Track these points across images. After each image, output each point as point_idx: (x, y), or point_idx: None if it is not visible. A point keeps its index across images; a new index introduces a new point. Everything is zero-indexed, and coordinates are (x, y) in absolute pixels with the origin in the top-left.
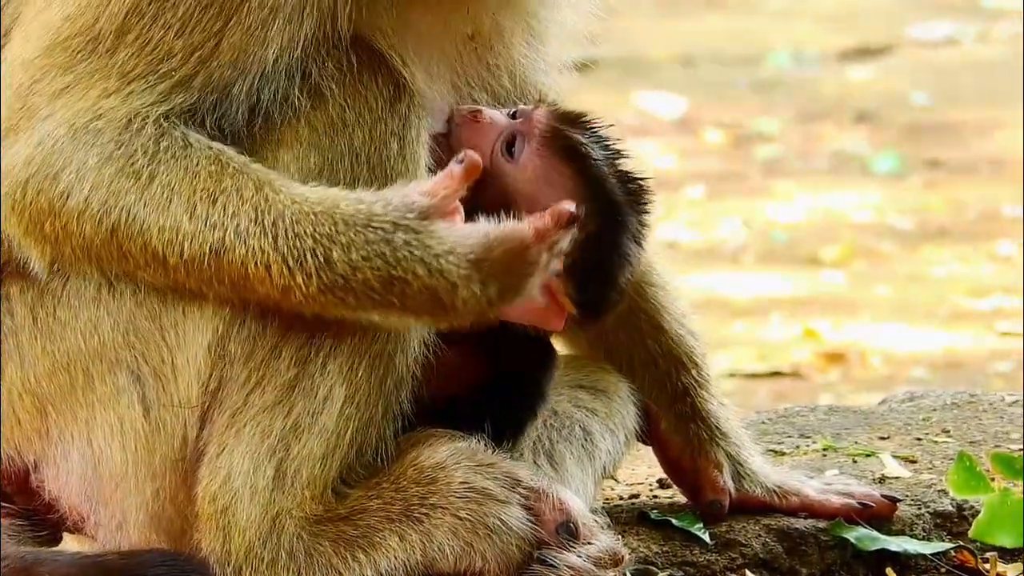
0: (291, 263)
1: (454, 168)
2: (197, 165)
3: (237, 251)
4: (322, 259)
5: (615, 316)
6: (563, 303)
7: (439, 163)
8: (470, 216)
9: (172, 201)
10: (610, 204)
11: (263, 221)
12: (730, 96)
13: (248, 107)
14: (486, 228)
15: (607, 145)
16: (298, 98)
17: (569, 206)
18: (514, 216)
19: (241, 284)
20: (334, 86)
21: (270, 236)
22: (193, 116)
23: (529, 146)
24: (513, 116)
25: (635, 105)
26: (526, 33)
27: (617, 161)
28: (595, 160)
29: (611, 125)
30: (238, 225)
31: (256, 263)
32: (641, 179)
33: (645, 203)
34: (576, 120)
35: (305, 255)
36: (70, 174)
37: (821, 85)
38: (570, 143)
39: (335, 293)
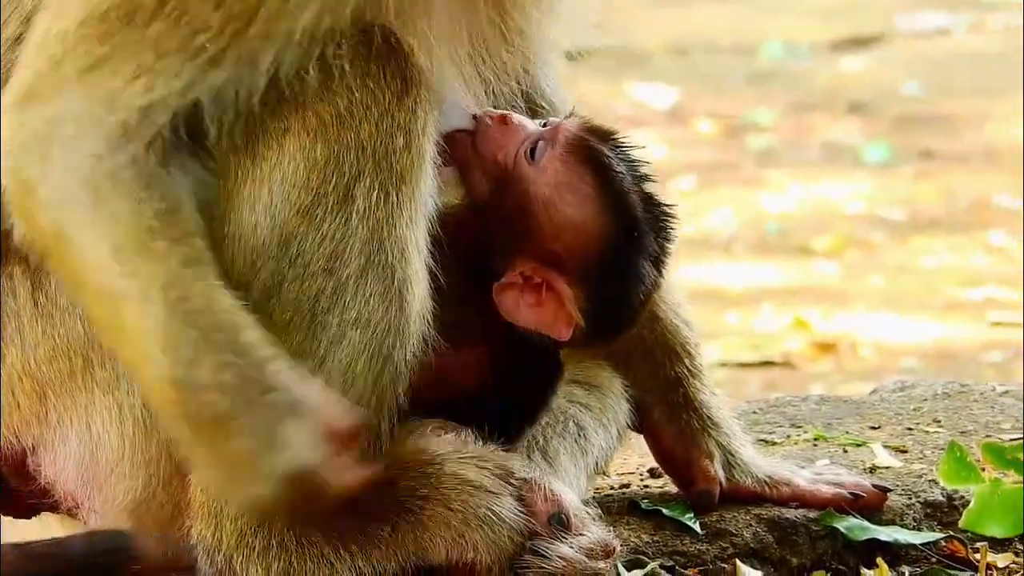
0: (163, 351)
1: (338, 429)
2: (154, 206)
3: (131, 306)
4: (188, 361)
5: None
6: (572, 313)
7: (459, 161)
8: (489, 215)
9: (111, 232)
10: (629, 220)
11: (170, 295)
12: (723, 86)
13: (264, 84)
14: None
15: (634, 165)
16: (310, 83)
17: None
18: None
19: (115, 335)
20: (344, 76)
21: (164, 314)
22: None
23: (552, 151)
24: (544, 126)
25: (628, 95)
26: (545, 25)
27: (642, 182)
28: (618, 173)
29: (642, 147)
30: (146, 287)
31: (139, 330)
32: (666, 204)
33: (667, 228)
34: (605, 134)
35: (179, 349)
36: (55, 164)
37: (814, 76)
38: (595, 153)
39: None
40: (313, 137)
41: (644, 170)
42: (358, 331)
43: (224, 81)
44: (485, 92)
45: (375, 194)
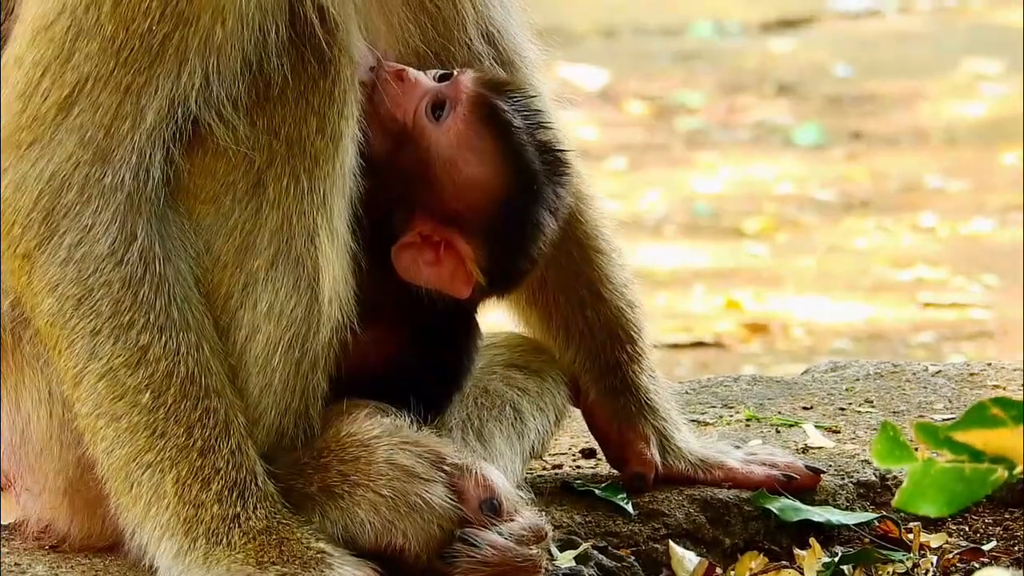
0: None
1: None
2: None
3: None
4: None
5: (555, 280)
6: (471, 270)
7: (364, 113)
8: (386, 173)
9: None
10: (527, 174)
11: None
12: (652, 67)
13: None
14: None
15: (529, 115)
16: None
17: None
18: (428, 182)
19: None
20: (262, 60)
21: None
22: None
23: (455, 111)
24: (439, 80)
25: (557, 76)
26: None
27: (538, 131)
28: (517, 129)
29: (535, 95)
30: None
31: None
32: (561, 150)
33: (563, 174)
34: (502, 88)
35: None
36: (60, 241)
37: (743, 57)
38: (495, 111)
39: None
40: (227, 122)
41: (538, 118)
42: (271, 323)
43: (201, 76)
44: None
45: (285, 180)
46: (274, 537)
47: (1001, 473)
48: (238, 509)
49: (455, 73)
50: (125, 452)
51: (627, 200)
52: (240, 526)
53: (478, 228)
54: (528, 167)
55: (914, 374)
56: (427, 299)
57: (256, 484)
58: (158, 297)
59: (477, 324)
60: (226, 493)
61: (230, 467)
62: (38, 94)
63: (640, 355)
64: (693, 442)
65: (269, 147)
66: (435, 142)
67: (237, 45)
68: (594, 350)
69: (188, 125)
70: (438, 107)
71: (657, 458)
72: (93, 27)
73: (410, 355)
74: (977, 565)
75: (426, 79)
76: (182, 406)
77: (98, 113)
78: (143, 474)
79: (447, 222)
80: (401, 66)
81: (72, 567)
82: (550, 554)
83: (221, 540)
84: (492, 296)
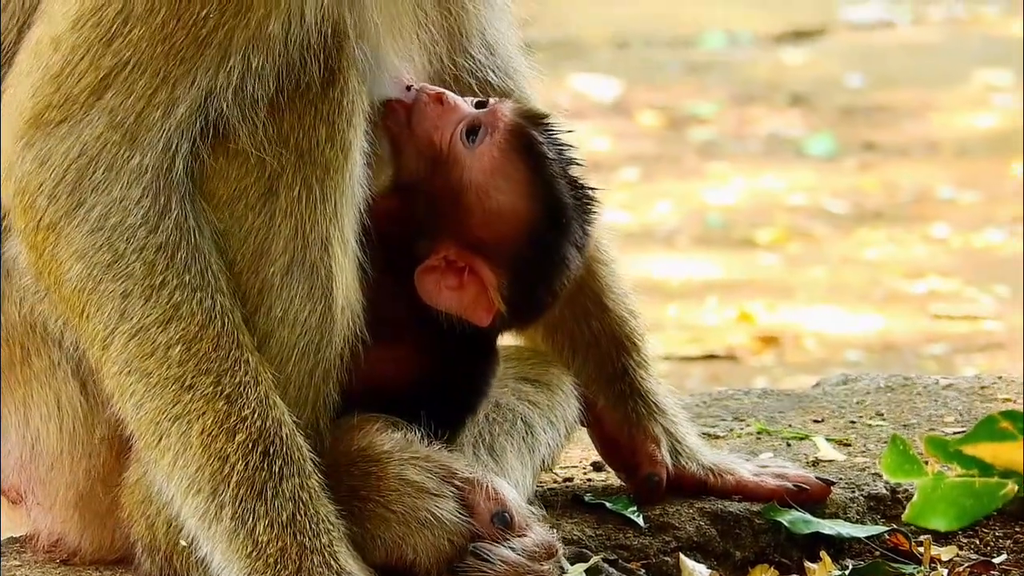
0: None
1: None
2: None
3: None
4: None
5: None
6: (493, 298)
7: (392, 134)
8: (416, 194)
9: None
10: (558, 209)
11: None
12: (664, 78)
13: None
14: None
15: (562, 149)
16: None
17: None
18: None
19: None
20: (274, 67)
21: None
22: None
23: (491, 137)
24: (478, 106)
25: (570, 87)
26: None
27: (570, 166)
28: (551, 161)
29: (570, 131)
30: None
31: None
32: (590, 188)
33: (591, 212)
34: (538, 119)
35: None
36: (84, 216)
37: (755, 67)
38: (531, 141)
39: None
40: (244, 126)
41: (571, 154)
42: (285, 330)
43: (241, 72)
44: (430, 63)
45: (297, 188)
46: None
47: (1011, 487)
48: (263, 472)
49: (492, 101)
50: (154, 406)
51: (639, 211)
52: (266, 504)
53: (503, 257)
54: (559, 200)
55: (925, 387)
56: (446, 323)
57: (280, 437)
58: (194, 262)
59: (496, 352)
60: (250, 446)
61: (255, 416)
62: (74, 76)
63: (646, 361)
64: (704, 448)
65: (280, 155)
66: (468, 167)
67: (279, 46)
68: (600, 359)
69: (214, 123)
70: (472, 132)
71: (668, 460)
72: (144, 12)
73: (427, 376)
74: None
75: (465, 104)
76: (213, 356)
77: (131, 98)
78: (172, 426)
79: (473, 248)
80: (441, 89)
81: None
82: (561, 569)
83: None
84: (511, 327)
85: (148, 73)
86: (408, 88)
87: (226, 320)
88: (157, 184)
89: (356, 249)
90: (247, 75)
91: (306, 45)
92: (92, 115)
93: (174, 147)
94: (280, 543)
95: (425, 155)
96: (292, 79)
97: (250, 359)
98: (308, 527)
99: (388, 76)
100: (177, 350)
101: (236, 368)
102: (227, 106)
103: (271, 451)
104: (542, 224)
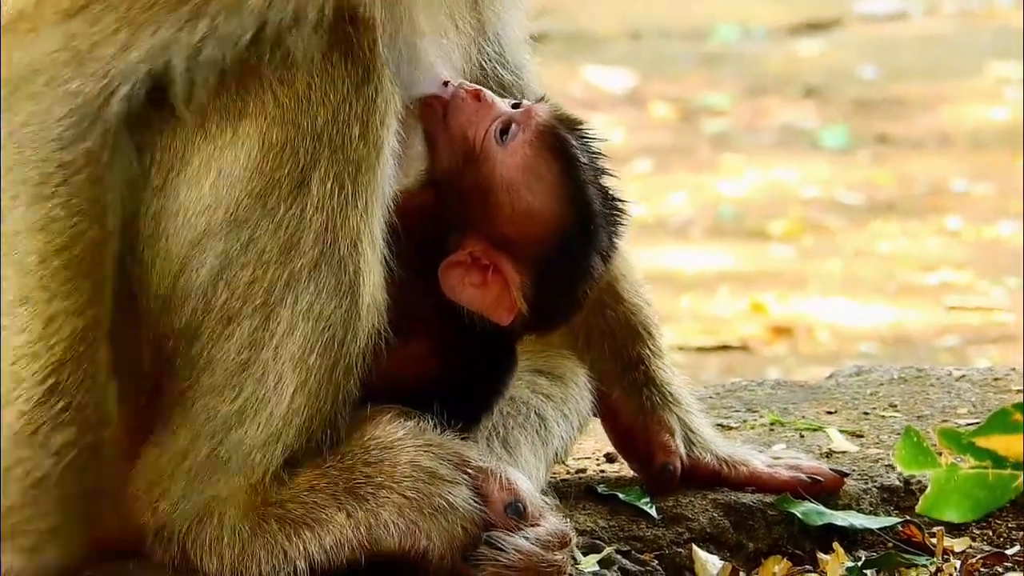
0: None
1: None
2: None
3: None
4: None
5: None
6: (516, 298)
7: (428, 128)
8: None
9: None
10: (587, 214)
11: None
12: (677, 70)
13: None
14: None
15: (596, 157)
16: (270, 65)
17: None
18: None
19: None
20: (305, 61)
21: None
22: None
23: (523, 135)
24: (514, 107)
25: (583, 79)
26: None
27: (601, 175)
28: (583, 165)
29: (604, 139)
30: None
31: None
32: (620, 199)
33: (619, 223)
34: (572, 124)
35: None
36: (19, 124)
37: (769, 59)
38: (564, 143)
39: None
40: (270, 121)
41: (603, 163)
42: (310, 323)
43: (203, 37)
44: (465, 61)
45: (330, 184)
46: None
47: None
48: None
49: (527, 102)
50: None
51: (652, 203)
52: None
53: (529, 256)
54: (588, 205)
55: (938, 379)
56: (467, 320)
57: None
58: (89, 191)
59: (515, 352)
60: (48, 372)
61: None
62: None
63: (660, 351)
64: (718, 438)
65: (313, 149)
66: (499, 163)
67: (255, 17)
68: (615, 348)
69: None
70: (506, 131)
71: (682, 450)
72: None
73: (446, 374)
74: (1001, 570)
75: (501, 103)
76: (60, 276)
77: (94, 28)
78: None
79: (499, 246)
80: (478, 87)
81: None
82: (574, 559)
83: None
84: (532, 330)
85: (118, 13)
86: (445, 84)
87: (88, 250)
88: (84, 111)
89: (384, 247)
90: (211, 40)
91: (327, 38)
92: (55, 32)
93: (115, 86)
94: None
95: (459, 151)
96: (324, 75)
97: (87, 287)
98: None
99: (424, 74)
100: (33, 259)
101: (70, 293)
102: (183, 67)
103: (59, 388)
104: (569, 227)
